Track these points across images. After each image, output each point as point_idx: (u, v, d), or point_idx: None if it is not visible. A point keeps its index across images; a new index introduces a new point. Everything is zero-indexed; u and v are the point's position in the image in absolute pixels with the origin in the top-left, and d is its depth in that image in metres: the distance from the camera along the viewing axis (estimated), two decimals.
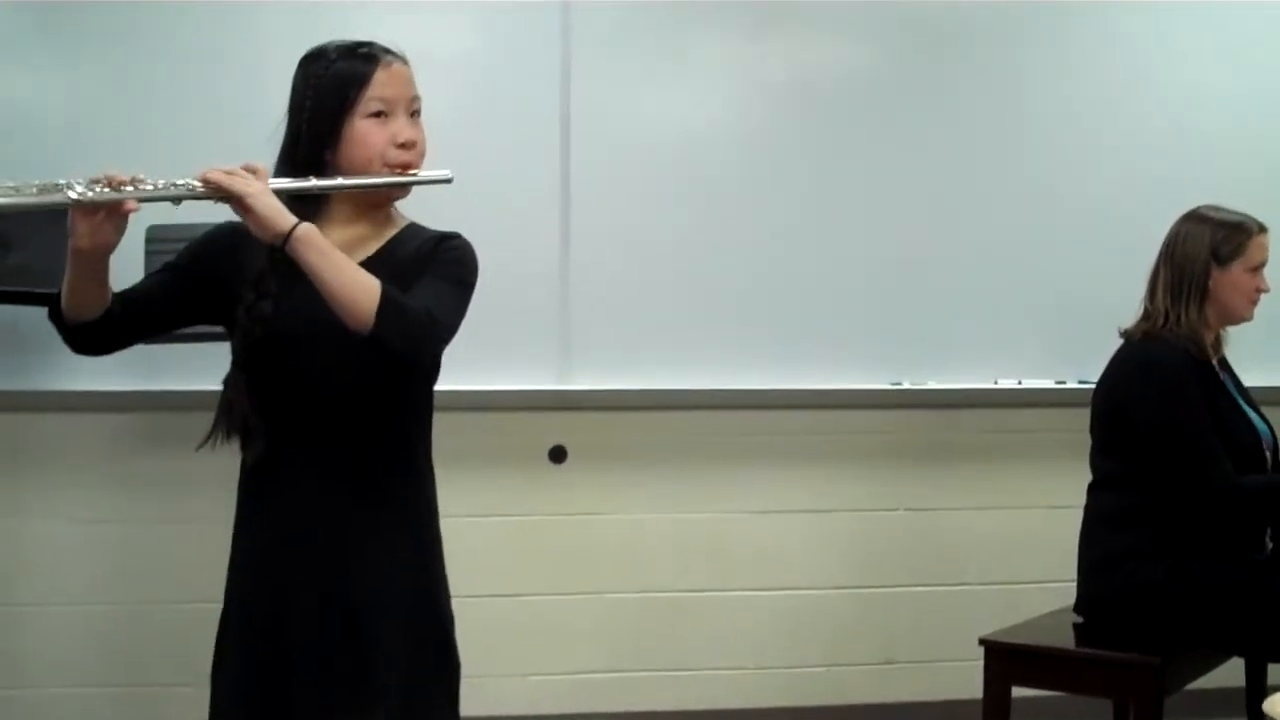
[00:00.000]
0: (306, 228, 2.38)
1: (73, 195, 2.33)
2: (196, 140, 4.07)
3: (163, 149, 3.97)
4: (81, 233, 2.38)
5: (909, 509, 4.74)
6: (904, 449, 4.71)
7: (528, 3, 4.44)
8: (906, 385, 4.63)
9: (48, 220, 3.80)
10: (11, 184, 2.33)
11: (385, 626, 2.55)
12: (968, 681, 3.81)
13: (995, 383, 4.67)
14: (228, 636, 2.63)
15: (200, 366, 3.89)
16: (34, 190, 2.34)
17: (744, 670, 4.63)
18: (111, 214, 2.38)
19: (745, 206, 4.55)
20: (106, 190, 2.36)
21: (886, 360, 4.62)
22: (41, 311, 3.85)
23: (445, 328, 2.48)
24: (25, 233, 3.89)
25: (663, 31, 4.52)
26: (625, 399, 4.49)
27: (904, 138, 4.64)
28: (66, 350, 3.88)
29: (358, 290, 2.37)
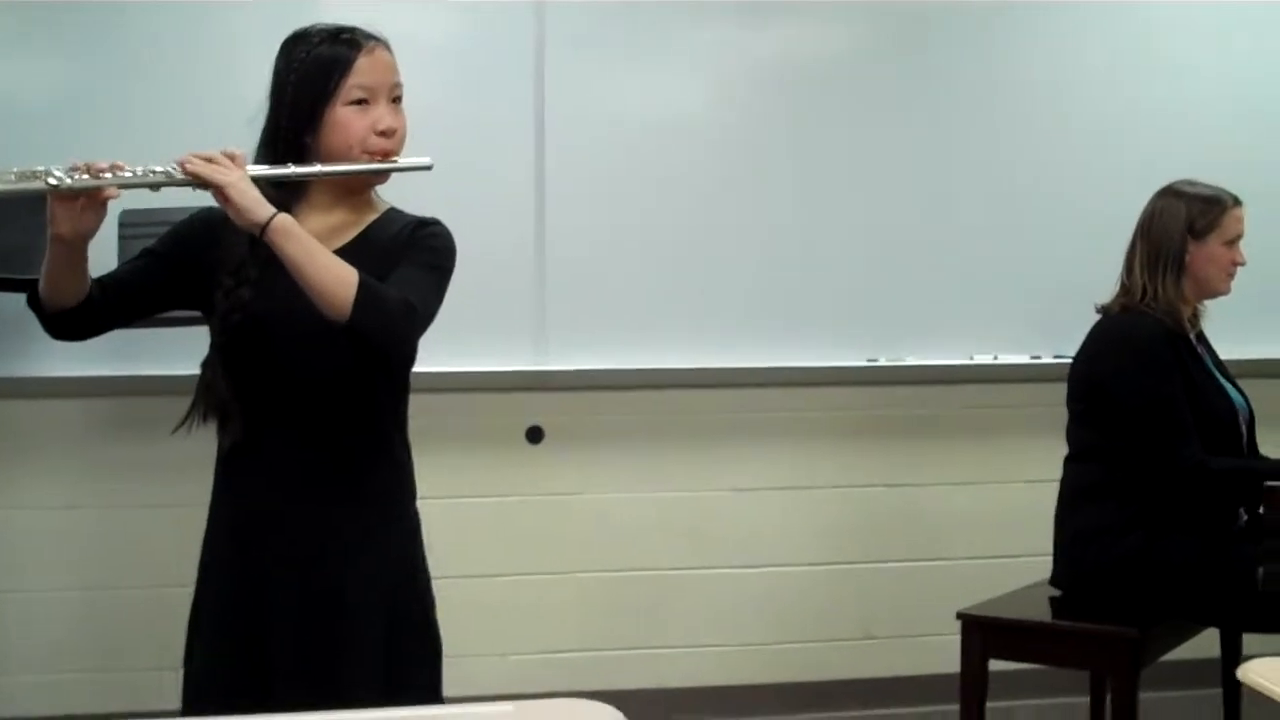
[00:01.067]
0: (284, 218, 2.38)
1: (51, 181, 2.33)
2: (176, 129, 4.06)
3: (143, 138, 3.94)
4: (61, 220, 2.38)
5: (887, 485, 4.75)
6: (881, 425, 4.72)
7: None
8: (883, 362, 4.64)
9: (22, 207, 3.78)
10: None
11: (364, 612, 2.56)
12: (947, 656, 3.83)
13: (971, 358, 4.68)
14: (200, 622, 2.62)
15: (175, 352, 3.89)
16: (12, 177, 2.34)
17: (725, 648, 4.64)
18: (91, 201, 2.38)
19: (721, 186, 4.55)
20: (85, 177, 2.35)
21: (863, 337, 4.62)
22: (13, 297, 3.86)
23: (422, 316, 2.49)
24: (5, 217, 3.87)
25: (641, 16, 4.51)
26: (602, 378, 4.49)
27: (880, 118, 4.64)
28: (39, 336, 3.86)
29: (334, 281, 2.37)
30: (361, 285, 2.37)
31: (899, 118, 4.65)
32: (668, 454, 4.61)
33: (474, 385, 4.38)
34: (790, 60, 4.64)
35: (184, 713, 2.60)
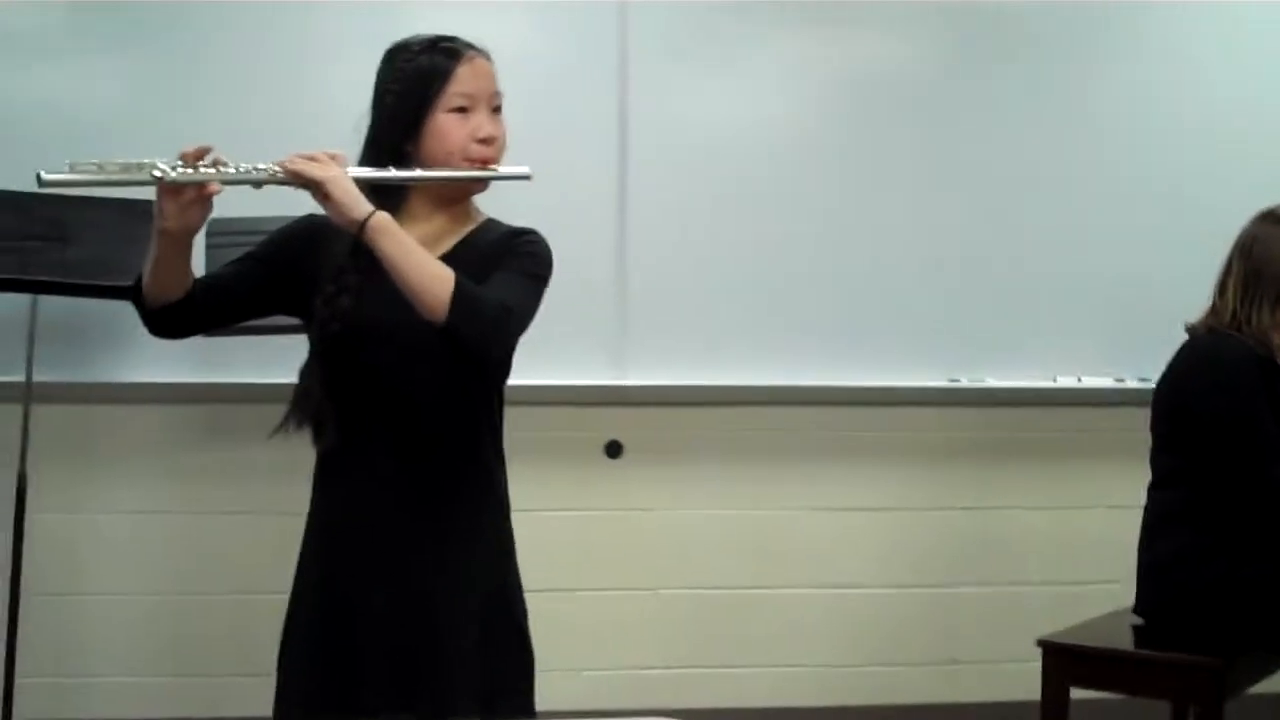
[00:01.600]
0: (382, 216, 2.40)
1: (155, 174, 2.36)
2: (240, 130, 4.09)
3: (207, 138, 4.03)
4: (169, 214, 2.41)
5: (966, 507, 4.71)
6: (962, 447, 4.68)
7: (585, 2, 4.44)
8: (964, 383, 4.61)
9: (105, 213, 3.87)
10: (95, 162, 2.35)
11: (456, 621, 2.56)
12: (1027, 683, 3.78)
13: (1054, 380, 4.64)
14: (296, 628, 2.64)
15: (260, 359, 3.95)
16: (117, 169, 2.37)
17: (802, 668, 4.61)
18: (197, 196, 2.41)
19: (801, 203, 4.54)
20: (189, 171, 2.38)
21: (944, 357, 4.59)
22: (98, 304, 3.94)
23: (518, 320, 2.50)
24: (83, 227, 3.93)
25: (718, 30, 4.51)
26: (682, 394, 4.48)
27: (960, 134, 4.62)
28: (125, 342, 3.94)
29: (432, 280, 2.39)
30: (458, 286, 2.38)
31: (983, 131, 4.62)
32: (746, 471, 4.60)
33: (554, 399, 4.38)
34: (871, 71, 4.63)
35: (276, 717, 2.62)
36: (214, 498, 4.38)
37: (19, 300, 4.01)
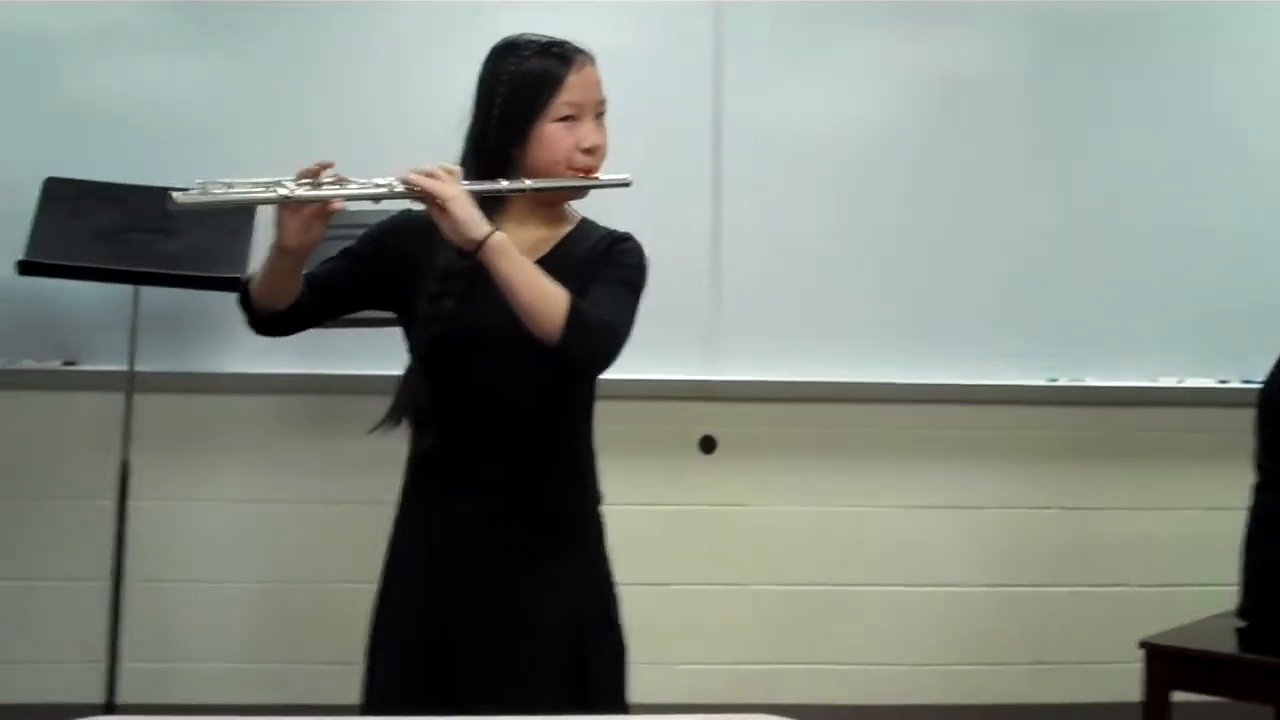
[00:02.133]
0: (500, 237, 2.41)
1: (282, 192, 2.38)
2: (340, 131, 4.16)
3: (305, 140, 4.07)
4: (291, 231, 2.43)
5: (1062, 507, 4.66)
6: (1059, 446, 4.63)
7: (681, 1, 4.43)
8: (1063, 381, 4.55)
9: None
10: (226, 181, 2.38)
11: (550, 616, 2.57)
12: (1122, 684, 3.74)
13: (1155, 380, 4.58)
14: (385, 623, 2.66)
15: (358, 351, 3.99)
16: (247, 188, 2.40)
17: (894, 666, 4.59)
18: (318, 212, 2.43)
19: (896, 200, 4.51)
20: (313, 189, 2.40)
21: (1043, 356, 4.54)
22: (202, 295, 4.00)
23: (622, 338, 2.52)
24: (185, 220, 3.98)
25: (813, 27, 4.49)
26: (776, 390, 4.47)
27: (1057, 131, 4.57)
28: (228, 333, 3.98)
29: (547, 302, 2.41)
30: (572, 307, 2.40)
31: (1081, 129, 4.57)
32: (840, 468, 4.58)
33: (648, 394, 4.38)
34: (967, 68, 4.58)
35: (364, 711, 2.64)
36: (311, 487, 4.43)
37: (122, 291, 4.07)
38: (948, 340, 4.50)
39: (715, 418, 4.54)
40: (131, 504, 4.15)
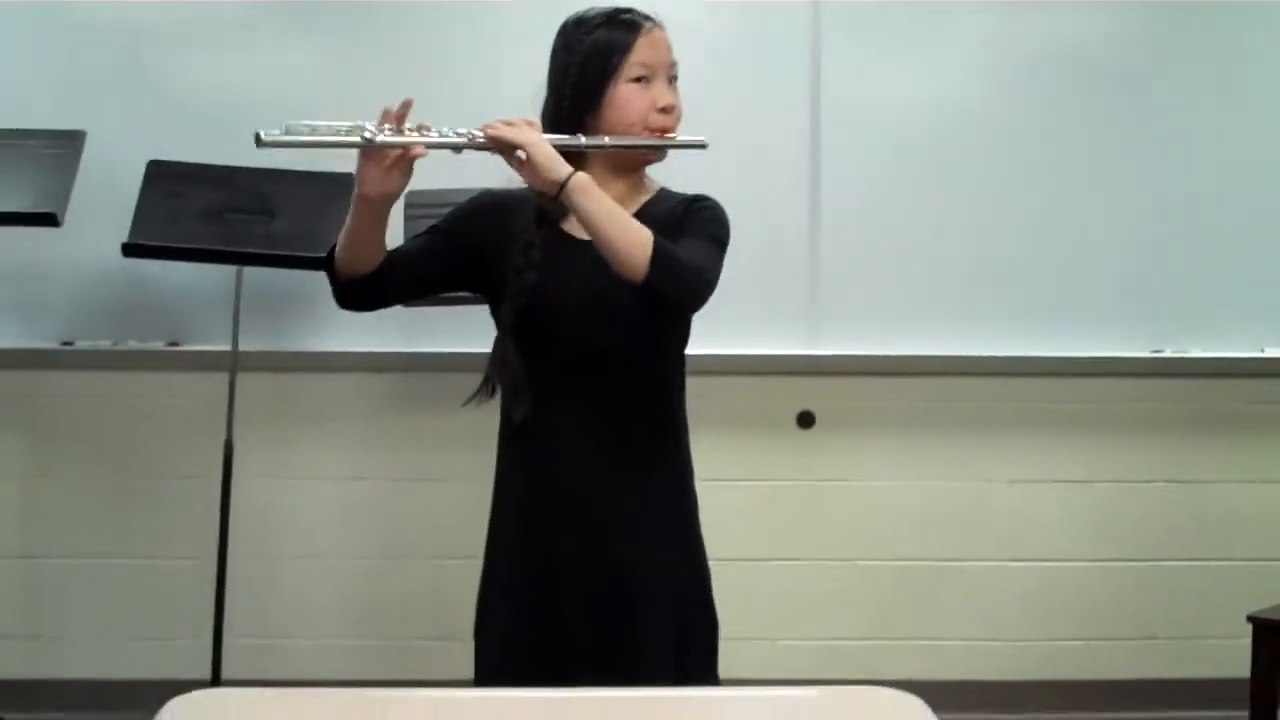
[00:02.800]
0: (582, 176, 2.44)
1: (366, 136, 2.41)
2: (435, 118, 4.17)
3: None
4: (370, 179, 2.46)
5: (1169, 480, 4.59)
6: (1165, 419, 4.56)
7: None
8: (1168, 353, 4.49)
9: (308, 187, 3.96)
10: (309, 124, 2.41)
11: (651, 586, 2.59)
12: (1232, 659, 3.69)
13: (1262, 351, 4.50)
14: (493, 595, 2.68)
15: (458, 329, 4.00)
16: (329, 131, 2.42)
17: (999, 642, 4.55)
18: (399, 160, 2.45)
19: (996, 172, 4.46)
20: (396, 133, 2.43)
21: (1147, 327, 4.48)
22: (302, 275, 4.03)
23: (710, 282, 2.52)
24: (287, 200, 4.02)
25: (911, 9, 4.44)
26: (875, 364, 4.44)
27: (1164, 105, 4.49)
28: (327, 312, 4.00)
29: (631, 239, 2.42)
30: (657, 244, 2.41)
31: (1179, 101, 4.49)
32: (941, 443, 4.54)
33: (747, 369, 4.37)
34: (1066, 44, 4.51)
35: (478, 683, 2.66)
36: (411, 464, 4.47)
37: (225, 272, 4.12)
38: (1049, 313, 4.45)
39: (813, 393, 4.51)
40: (235, 482, 4.21)
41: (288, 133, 2.41)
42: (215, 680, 4.15)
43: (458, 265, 2.68)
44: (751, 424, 4.47)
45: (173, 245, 4.00)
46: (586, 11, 2.67)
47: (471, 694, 2.41)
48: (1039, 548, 4.55)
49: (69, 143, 4.06)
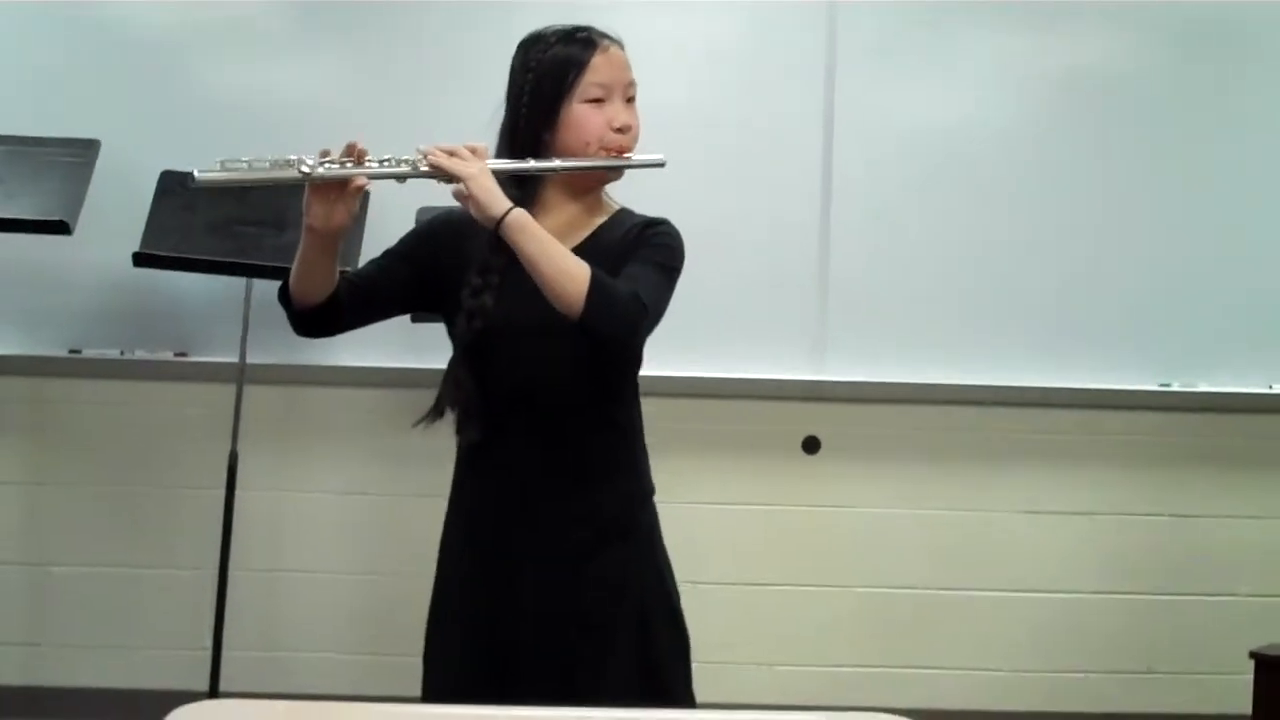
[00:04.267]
0: (519, 213, 2.43)
1: (304, 170, 2.41)
2: (459, 130, 4.17)
3: (412, 140, 4.11)
4: (317, 213, 2.46)
5: (1174, 514, 4.58)
6: (1172, 453, 4.55)
7: (795, 2, 4.41)
8: (1176, 387, 4.48)
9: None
10: (245, 159, 2.41)
11: (606, 607, 2.57)
12: (1234, 695, 3.68)
13: (1270, 387, 4.49)
14: (443, 618, 2.67)
15: None
16: (266, 165, 2.42)
17: (999, 672, 4.53)
18: (343, 193, 2.44)
19: (1009, 199, 4.46)
20: (335, 167, 2.43)
21: (1155, 361, 4.47)
22: None
23: (651, 314, 2.49)
24: (297, 214, 4.01)
25: (927, 29, 4.45)
26: (882, 391, 4.44)
27: (1175, 134, 4.49)
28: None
29: (567, 277, 2.40)
30: (594, 281, 2.39)
31: (1200, 132, 4.49)
32: (946, 471, 4.53)
33: (753, 393, 4.37)
34: (1082, 70, 4.52)
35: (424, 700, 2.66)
36: (415, 479, 4.45)
37: (234, 283, 4.12)
38: (1058, 343, 4.44)
39: (819, 418, 4.51)
40: (240, 494, 4.21)
41: (223, 169, 2.41)
42: (214, 692, 4.14)
43: (414, 287, 2.67)
44: (757, 448, 4.46)
45: (183, 256, 4.01)
46: (544, 29, 2.67)
47: (472, 711, 2.40)
48: (1041, 579, 4.54)
49: (83, 151, 4.07)
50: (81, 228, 3.96)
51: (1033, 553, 4.55)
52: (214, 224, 4.03)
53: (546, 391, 2.58)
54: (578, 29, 2.64)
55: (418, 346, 4.17)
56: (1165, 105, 4.49)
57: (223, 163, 2.39)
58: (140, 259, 3.98)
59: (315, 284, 2.57)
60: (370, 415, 4.48)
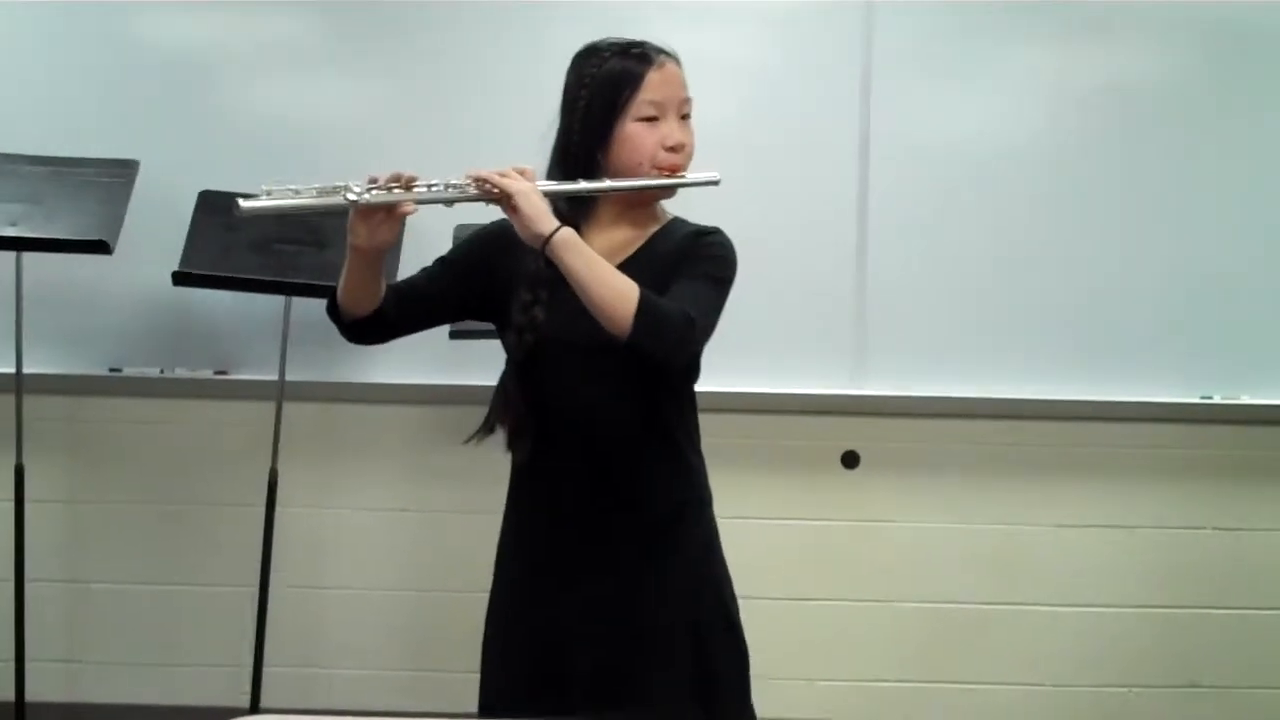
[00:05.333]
0: (566, 232, 2.42)
1: (350, 197, 2.41)
2: (495, 147, 4.18)
3: (460, 157, 4.12)
4: (360, 233, 2.47)
5: (1216, 528, 4.54)
6: (1213, 465, 4.51)
7: (830, 9, 4.40)
8: (1218, 399, 4.44)
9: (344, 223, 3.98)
10: (294, 187, 2.42)
11: (664, 619, 2.57)
12: (1277, 710, 3.64)
13: None
14: (499, 631, 2.68)
15: (501, 361, 4.01)
16: (314, 193, 2.43)
17: (1040, 688, 4.50)
18: (388, 216, 2.46)
19: (1048, 213, 4.43)
20: (382, 193, 2.43)
21: (1198, 372, 4.43)
22: None
23: (702, 329, 2.49)
24: (337, 231, 4.02)
25: (967, 38, 4.43)
26: (921, 406, 4.42)
27: (1216, 143, 4.44)
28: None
29: (615, 296, 2.39)
30: (642, 301, 2.38)
31: (1232, 140, 4.44)
32: (986, 485, 4.51)
33: (792, 408, 4.35)
34: (1118, 79, 4.47)
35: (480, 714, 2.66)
36: (455, 496, 4.46)
37: (273, 302, 4.14)
38: (1099, 356, 4.41)
39: (858, 433, 4.49)
40: (279, 511, 4.22)
41: (268, 197, 2.41)
42: (254, 708, 4.16)
43: (464, 296, 2.68)
44: (796, 463, 4.45)
45: (222, 275, 4.02)
46: (599, 42, 2.66)
47: None
48: (1082, 593, 4.51)
49: (123, 171, 4.11)
50: (121, 247, 3.99)
51: (1073, 567, 4.52)
52: (253, 242, 4.05)
53: (598, 405, 2.58)
54: (633, 44, 2.63)
55: (457, 363, 4.18)
56: (1201, 113, 4.45)
57: (268, 190, 2.40)
58: (180, 278, 4.00)
59: (362, 298, 2.59)
60: (410, 431, 4.48)
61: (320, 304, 4.07)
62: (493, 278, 2.64)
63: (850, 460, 4.50)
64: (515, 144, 4.27)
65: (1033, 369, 4.40)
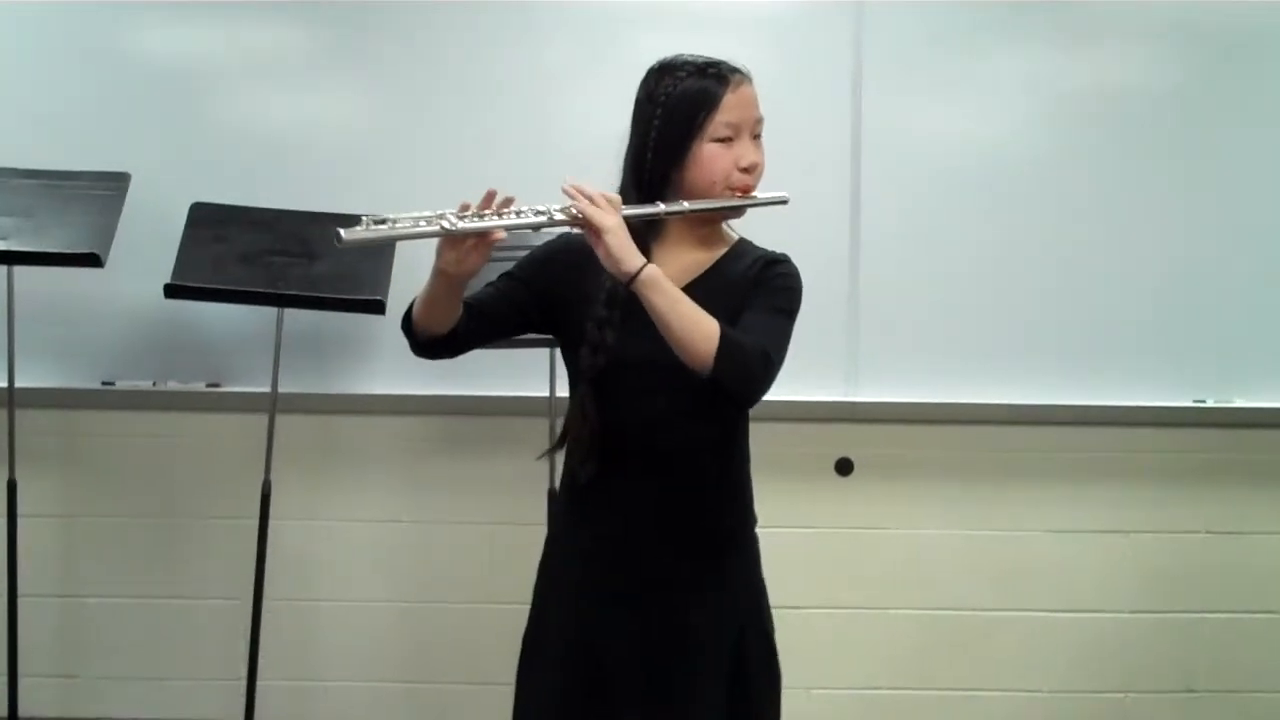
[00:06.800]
0: (652, 270, 2.41)
1: (446, 225, 2.40)
2: (484, 161, 4.21)
3: (448, 171, 4.12)
4: (448, 259, 2.45)
5: (1211, 531, 4.54)
6: (1208, 469, 4.52)
7: (820, 14, 4.41)
8: (1211, 403, 4.45)
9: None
10: (390, 217, 2.39)
11: (710, 643, 2.58)
12: (1275, 714, 3.64)
13: None
14: (539, 648, 2.66)
15: (496, 373, 4.02)
16: (409, 223, 2.40)
17: (1037, 694, 4.50)
18: (479, 243, 2.44)
19: (1041, 218, 4.44)
20: (475, 220, 2.42)
21: (1189, 377, 4.44)
22: (341, 317, 4.06)
23: (777, 366, 2.50)
24: (327, 243, 4.03)
25: (958, 41, 4.44)
26: (915, 412, 4.42)
27: (1212, 150, 4.45)
28: (365, 354, 4.02)
29: (698, 334, 2.40)
30: (723, 339, 2.39)
31: (1223, 148, 4.45)
32: (980, 491, 4.51)
33: (785, 415, 4.34)
34: (1110, 86, 4.48)
35: None
36: (449, 508, 4.46)
37: (265, 314, 4.13)
38: (1092, 361, 4.41)
39: (852, 439, 4.49)
40: (273, 524, 4.21)
41: (368, 228, 2.39)
42: None
43: (531, 312, 2.67)
44: (789, 470, 4.44)
45: (214, 287, 4.02)
46: (675, 59, 2.63)
47: None
48: (1078, 598, 4.51)
49: (114, 184, 4.11)
50: (113, 260, 3.99)
51: (1068, 572, 4.52)
52: (244, 255, 4.05)
53: (666, 425, 2.58)
54: (710, 63, 2.61)
55: (449, 375, 4.16)
56: (1192, 117, 4.46)
57: (367, 221, 2.38)
58: (171, 290, 4.00)
59: (441, 319, 2.57)
60: (403, 443, 4.48)
61: (312, 315, 4.12)
62: (559, 293, 2.64)
63: (844, 467, 4.50)
64: (505, 154, 4.30)
65: (1026, 374, 4.40)
